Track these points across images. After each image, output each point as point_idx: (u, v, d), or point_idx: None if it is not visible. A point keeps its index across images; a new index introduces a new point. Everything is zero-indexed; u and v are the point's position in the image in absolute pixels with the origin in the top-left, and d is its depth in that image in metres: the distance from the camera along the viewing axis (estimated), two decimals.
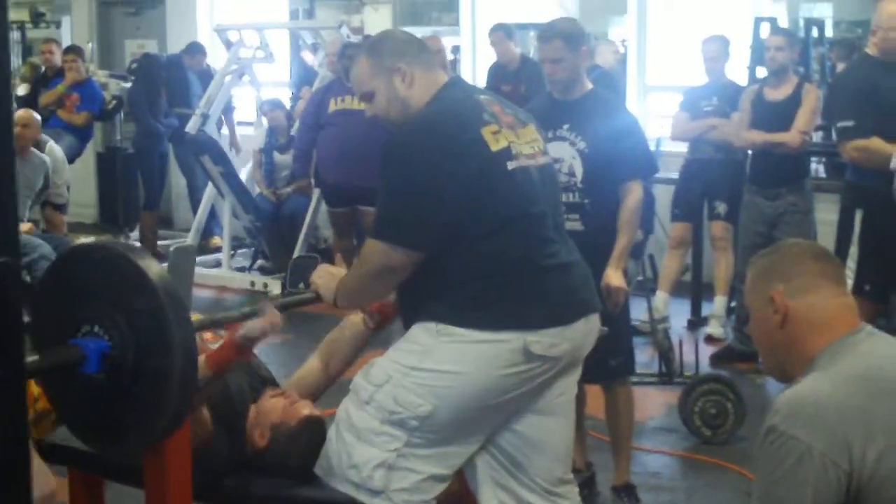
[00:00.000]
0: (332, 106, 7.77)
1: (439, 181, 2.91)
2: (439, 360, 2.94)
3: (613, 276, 4.22)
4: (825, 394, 2.18)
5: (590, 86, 4.44)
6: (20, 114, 7.75)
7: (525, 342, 2.94)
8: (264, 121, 9.42)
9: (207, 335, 3.38)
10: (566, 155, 4.27)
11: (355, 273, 3.11)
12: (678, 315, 7.46)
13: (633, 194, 4.29)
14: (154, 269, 2.56)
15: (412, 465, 2.98)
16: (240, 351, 3.01)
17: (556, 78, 4.34)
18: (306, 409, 3.36)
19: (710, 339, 7.08)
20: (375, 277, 3.03)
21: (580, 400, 4.61)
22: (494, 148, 2.98)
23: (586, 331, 3.13)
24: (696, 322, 7.51)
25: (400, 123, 3.10)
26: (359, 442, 2.99)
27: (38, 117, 7.85)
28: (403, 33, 3.30)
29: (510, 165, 3.00)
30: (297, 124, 8.64)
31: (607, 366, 4.36)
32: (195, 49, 10.25)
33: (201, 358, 3.01)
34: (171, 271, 2.76)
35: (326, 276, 3.19)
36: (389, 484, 2.97)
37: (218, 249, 9.39)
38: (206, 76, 9.94)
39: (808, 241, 2.58)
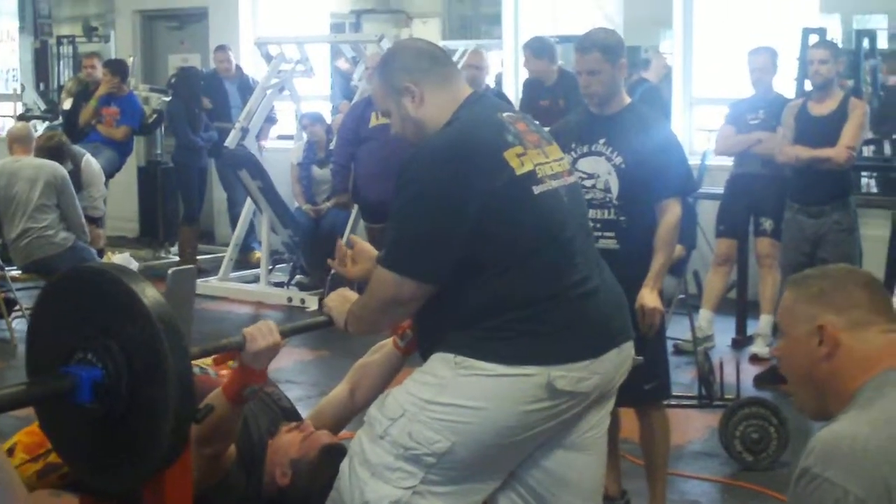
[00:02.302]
0: (374, 121, 7.67)
1: (457, 210, 2.74)
2: (457, 394, 2.78)
3: (648, 297, 4.08)
4: (863, 435, 2.04)
5: (628, 100, 4.30)
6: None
7: (549, 377, 2.77)
8: (304, 134, 9.35)
9: (223, 370, 3.28)
10: (602, 171, 4.14)
11: (364, 302, 2.95)
12: (722, 333, 7.30)
13: (671, 213, 4.15)
14: (149, 294, 2.46)
15: (429, 503, 2.83)
16: (250, 374, 2.89)
17: (591, 91, 4.19)
18: (325, 437, 3.25)
19: (754, 359, 6.90)
20: (383, 309, 2.89)
21: (614, 424, 4.45)
22: (520, 172, 2.80)
23: (619, 361, 2.96)
24: (741, 341, 7.33)
25: (419, 143, 2.92)
26: (372, 478, 2.83)
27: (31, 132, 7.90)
28: (417, 45, 3.08)
29: (536, 190, 2.83)
30: (335, 138, 8.55)
31: (641, 390, 4.19)
32: (219, 49, 10.26)
33: (217, 391, 2.91)
34: (169, 295, 2.64)
35: (339, 300, 3.06)
36: None
37: (258, 264, 9.33)
38: (246, 89, 9.89)
39: (858, 268, 2.40)
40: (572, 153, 4.18)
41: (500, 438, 2.80)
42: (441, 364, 2.83)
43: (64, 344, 2.52)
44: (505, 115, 2.93)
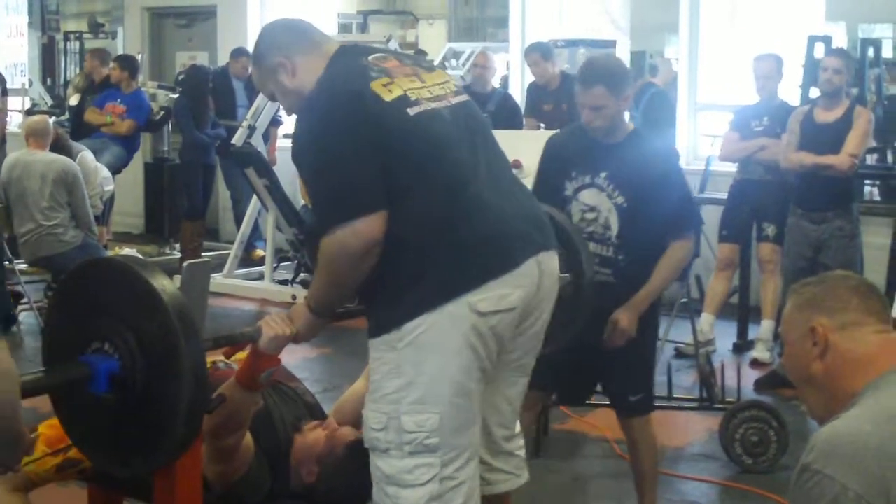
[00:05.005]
0: None
1: (355, 147, 2.76)
2: (411, 366, 2.80)
3: (623, 317, 3.97)
4: (864, 432, 2.08)
5: (630, 127, 4.18)
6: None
7: (470, 304, 2.79)
8: None
9: (237, 357, 3.32)
10: (603, 206, 4.02)
11: (324, 273, 2.88)
12: (724, 338, 7.33)
13: (678, 251, 4.06)
14: (167, 287, 2.51)
15: (457, 478, 2.87)
16: (264, 360, 2.94)
17: (595, 125, 4.03)
18: (349, 434, 3.29)
19: (755, 364, 6.92)
20: (353, 264, 2.79)
21: None
22: (389, 98, 2.84)
23: (540, 273, 2.95)
24: (742, 345, 7.36)
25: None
26: (401, 489, 2.86)
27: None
28: (282, 22, 3.14)
29: (412, 111, 2.86)
30: None
31: (627, 401, 4.20)
32: (239, 53, 10.25)
33: (230, 381, 2.95)
34: (184, 288, 2.69)
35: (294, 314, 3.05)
36: None
37: (261, 262, 9.37)
38: (252, 88, 9.92)
39: (855, 274, 2.49)
40: (574, 182, 4.08)
41: (467, 377, 2.83)
42: (383, 349, 2.84)
43: (81, 334, 2.57)
44: (371, 57, 2.97)
